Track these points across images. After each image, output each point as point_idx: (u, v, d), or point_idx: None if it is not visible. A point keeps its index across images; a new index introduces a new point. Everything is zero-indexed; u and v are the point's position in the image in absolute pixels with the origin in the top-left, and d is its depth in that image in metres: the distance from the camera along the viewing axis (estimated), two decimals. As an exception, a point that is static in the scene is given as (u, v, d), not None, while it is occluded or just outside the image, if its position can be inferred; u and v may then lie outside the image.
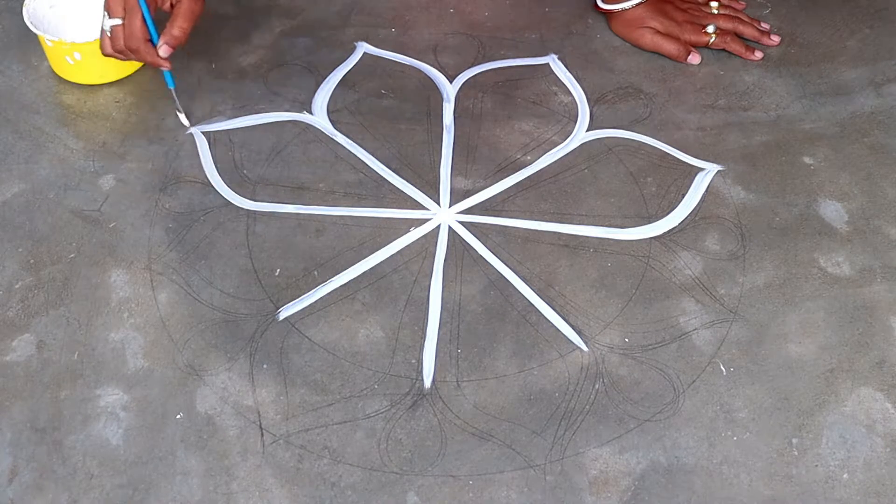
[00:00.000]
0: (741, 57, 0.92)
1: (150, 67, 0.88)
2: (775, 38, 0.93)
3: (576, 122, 0.87)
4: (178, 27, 0.77)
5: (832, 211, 0.79)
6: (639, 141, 0.85)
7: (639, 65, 0.93)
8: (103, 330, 0.69)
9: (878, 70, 0.92)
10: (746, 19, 0.94)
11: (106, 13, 0.76)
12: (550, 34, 0.96)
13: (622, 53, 0.94)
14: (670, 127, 0.86)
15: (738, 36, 0.92)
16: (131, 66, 0.89)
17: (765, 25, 0.94)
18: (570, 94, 0.90)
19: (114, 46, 0.77)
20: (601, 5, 0.94)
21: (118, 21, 0.76)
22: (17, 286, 0.72)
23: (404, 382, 0.67)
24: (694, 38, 0.91)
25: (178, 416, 0.64)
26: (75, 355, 0.68)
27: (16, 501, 0.60)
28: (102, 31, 0.77)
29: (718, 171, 0.82)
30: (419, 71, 0.92)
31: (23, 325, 0.69)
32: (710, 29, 0.91)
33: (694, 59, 0.91)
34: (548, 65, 0.93)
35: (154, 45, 0.77)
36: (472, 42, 0.95)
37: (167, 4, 0.78)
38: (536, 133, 0.85)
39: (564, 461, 0.62)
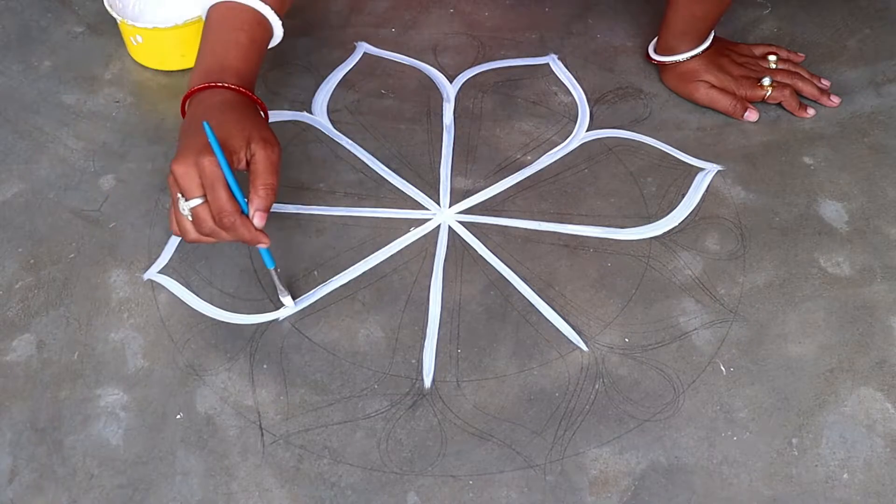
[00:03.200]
0: (793, 113, 0.87)
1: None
2: (835, 99, 0.88)
3: (576, 122, 0.87)
4: (263, 185, 0.62)
5: (832, 211, 0.79)
6: (639, 141, 0.85)
7: (639, 65, 0.93)
8: (103, 330, 0.69)
9: (878, 70, 0.92)
10: (806, 75, 0.89)
11: (180, 196, 0.61)
12: (550, 34, 0.96)
13: (622, 53, 0.94)
14: (670, 127, 0.86)
15: (796, 92, 0.88)
16: (192, 59, 0.89)
17: (825, 83, 0.89)
18: (570, 94, 0.90)
19: (200, 230, 0.62)
20: (654, 57, 0.89)
21: (198, 201, 0.61)
22: (17, 286, 0.72)
23: (404, 382, 0.67)
24: (750, 93, 0.86)
25: (178, 416, 0.64)
26: (75, 355, 0.68)
27: (16, 501, 0.60)
28: (179, 216, 0.62)
29: (718, 171, 0.82)
30: (419, 71, 0.92)
31: (23, 325, 0.69)
32: (767, 82, 0.86)
33: (751, 115, 0.86)
34: (548, 65, 0.93)
35: (248, 217, 0.62)
36: (472, 42, 0.95)
37: (242, 163, 0.63)
38: (536, 133, 0.85)
39: (564, 461, 0.62)
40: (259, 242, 0.63)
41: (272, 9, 0.70)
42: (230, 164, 0.61)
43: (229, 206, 0.60)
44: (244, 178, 0.62)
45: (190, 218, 0.62)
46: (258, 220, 0.62)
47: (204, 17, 0.71)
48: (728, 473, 0.62)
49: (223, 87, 0.66)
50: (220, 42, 0.68)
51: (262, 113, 0.68)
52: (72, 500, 0.60)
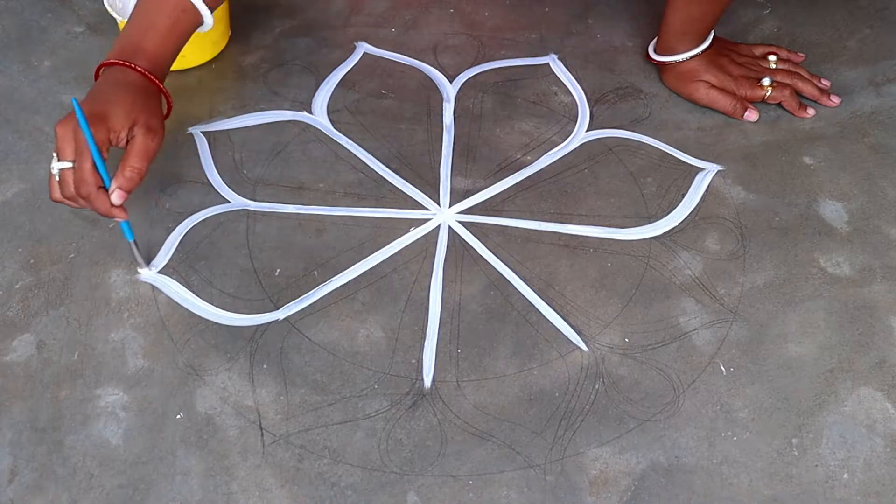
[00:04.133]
0: (793, 114, 0.87)
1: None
2: (835, 99, 0.88)
3: (576, 122, 0.87)
4: (130, 168, 0.65)
5: (832, 211, 0.79)
6: (639, 141, 0.85)
7: (639, 65, 0.93)
8: (103, 330, 0.69)
9: (878, 70, 0.92)
10: (806, 75, 0.89)
11: (55, 155, 0.65)
12: (550, 34, 0.96)
13: (622, 53, 0.94)
14: (670, 127, 0.86)
15: (796, 92, 0.88)
16: (192, 59, 0.90)
17: (825, 83, 0.89)
18: (570, 94, 0.90)
19: (63, 192, 0.65)
20: (654, 56, 0.89)
21: (68, 164, 0.64)
22: (17, 286, 0.72)
23: (404, 382, 0.67)
24: (750, 93, 0.86)
25: (178, 416, 0.64)
26: (75, 355, 0.68)
27: (16, 501, 0.60)
28: (51, 174, 0.66)
29: (718, 171, 0.82)
30: (419, 71, 0.92)
31: (23, 325, 0.69)
32: (766, 82, 0.86)
33: (751, 115, 0.86)
34: (548, 65, 0.93)
35: (107, 191, 0.65)
36: (472, 42, 0.95)
37: (123, 142, 0.66)
38: (536, 133, 0.85)
39: (564, 461, 0.62)
40: (114, 216, 0.66)
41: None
42: (109, 140, 0.65)
43: (90, 177, 0.64)
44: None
45: (57, 178, 0.65)
46: (116, 197, 0.65)
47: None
48: (728, 473, 0.62)
49: (132, 67, 0.68)
50: (142, 23, 0.71)
51: (164, 101, 0.71)
52: (72, 500, 0.60)
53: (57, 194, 0.66)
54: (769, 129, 0.86)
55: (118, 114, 0.65)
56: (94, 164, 0.64)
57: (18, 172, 0.81)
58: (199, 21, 0.73)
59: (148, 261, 0.73)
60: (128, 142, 0.66)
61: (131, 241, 0.70)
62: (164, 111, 0.71)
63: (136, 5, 0.72)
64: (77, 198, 0.65)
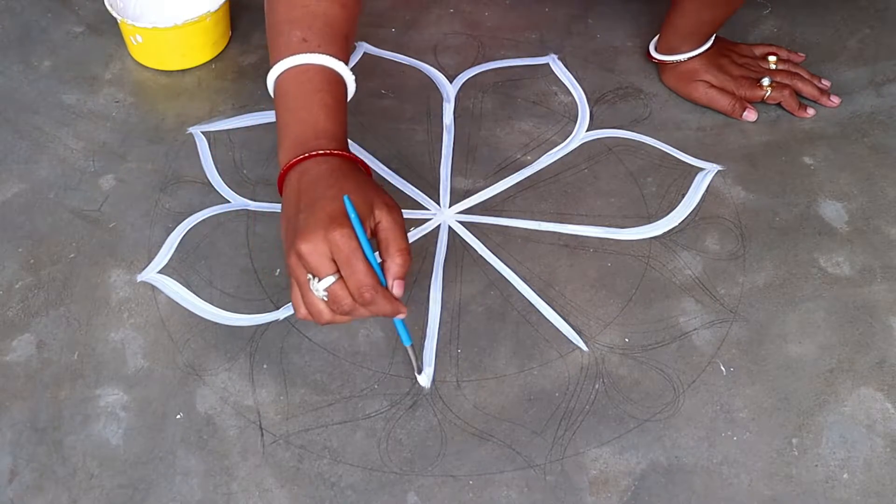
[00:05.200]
0: (792, 114, 0.87)
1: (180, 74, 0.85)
2: (835, 100, 0.88)
3: (576, 122, 0.87)
4: (398, 251, 0.57)
5: (832, 211, 0.79)
6: (639, 141, 0.85)
7: (639, 65, 0.93)
8: (103, 330, 0.69)
9: (878, 70, 0.92)
10: (806, 75, 0.88)
11: (312, 277, 0.56)
12: (550, 34, 0.96)
13: (622, 53, 0.94)
14: (670, 127, 0.86)
15: (796, 93, 0.87)
16: (192, 59, 0.91)
17: (825, 83, 0.89)
18: (570, 94, 0.90)
19: (338, 309, 0.56)
20: (654, 55, 0.89)
21: (333, 279, 0.55)
22: (17, 286, 0.72)
23: (404, 382, 0.67)
24: (749, 93, 0.86)
25: (178, 416, 0.64)
26: (75, 355, 0.68)
27: (16, 501, 0.60)
28: (312, 298, 0.57)
29: (718, 171, 0.82)
30: (419, 71, 0.92)
31: (23, 325, 0.69)
32: (766, 82, 0.86)
33: (750, 115, 0.86)
34: (548, 65, 0.93)
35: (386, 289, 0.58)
36: (472, 42, 0.95)
37: (368, 232, 0.58)
38: (536, 133, 0.85)
39: (564, 461, 0.62)
40: (399, 314, 0.58)
41: (342, 60, 0.65)
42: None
43: (369, 279, 0.55)
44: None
45: (325, 298, 0.56)
46: (398, 289, 0.58)
47: (272, 88, 0.66)
48: (728, 473, 0.62)
49: (327, 154, 0.60)
50: (305, 108, 0.63)
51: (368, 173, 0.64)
52: (72, 500, 0.60)
53: (328, 316, 0.57)
54: (769, 129, 0.86)
55: (357, 204, 0.57)
56: (369, 264, 0.56)
57: (18, 172, 0.81)
58: (346, 90, 0.67)
59: (420, 367, 0.66)
60: (372, 232, 0.58)
61: (409, 346, 0.63)
62: None
63: (281, 97, 0.64)
64: (356, 308, 0.56)
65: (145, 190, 0.79)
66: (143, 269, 0.73)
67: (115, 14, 0.86)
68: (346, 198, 0.56)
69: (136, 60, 0.92)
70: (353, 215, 0.56)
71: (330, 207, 0.56)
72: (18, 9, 0.98)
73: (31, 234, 0.76)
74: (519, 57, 0.94)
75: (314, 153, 0.60)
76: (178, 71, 0.90)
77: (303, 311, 0.58)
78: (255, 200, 0.79)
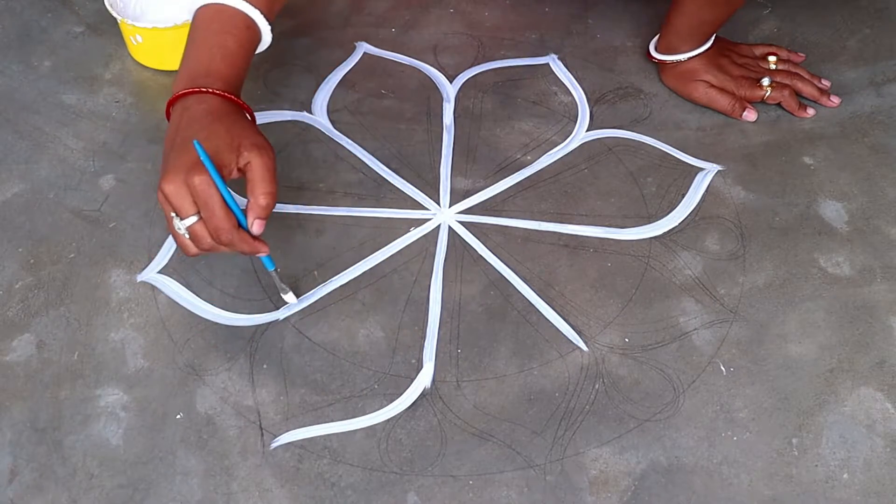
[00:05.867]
0: (792, 114, 0.87)
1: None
2: (835, 100, 0.88)
3: (576, 122, 0.87)
4: (263, 194, 0.60)
5: (832, 211, 0.79)
6: (639, 141, 0.85)
7: (639, 65, 0.93)
8: (103, 330, 0.69)
9: (878, 70, 0.92)
10: (806, 76, 0.89)
11: (174, 215, 0.60)
12: (550, 34, 0.96)
13: (622, 53, 0.94)
14: (670, 127, 0.86)
15: (796, 93, 0.88)
16: None
17: (825, 83, 0.89)
18: (570, 94, 0.90)
19: (199, 246, 0.61)
20: (654, 55, 0.89)
21: (194, 219, 0.59)
22: (17, 286, 0.72)
23: (404, 382, 0.67)
24: (749, 93, 0.86)
25: (178, 416, 0.64)
26: (75, 355, 0.68)
27: (16, 501, 0.60)
28: (176, 233, 0.61)
29: (718, 171, 0.82)
30: (419, 71, 0.92)
31: (23, 325, 0.69)
32: (766, 82, 0.86)
33: (749, 115, 0.86)
34: (548, 65, 0.93)
35: (244, 228, 0.61)
36: (472, 42, 0.95)
37: (234, 173, 0.61)
38: (536, 133, 0.85)
39: (564, 461, 0.62)
40: (259, 252, 0.62)
41: (261, 12, 0.68)
42: (222, 178, 0.59)
43: (226, 222, 0.59)
44: (236, 185, 0.62)
45: (187, 236, 0.60)
46: (257, 227, 0.61)
47: (190, 19, 0.69)
48: (728, 473, 0.62)
49: (209, 92, 0.63)
50: (206, 45, 0.66)
51: (249, 117, 0.66)
52: (72, 500, 0.60)
53: (193, 250, 0.61)
54: (769, 129, 0.86)
55: (222, 147, 0.60)
56: (226, 206, 0.59)
57: (18, 172, 0.81)
58: (259, 38, 0.69)
59: (290, 289, 0.69)
60: (239, 170, 0.61)
61: (272, 270, 0.67)
62: None
63: (192, 31, 0.67)
64: (216, 246, 0.61)
65: (145, 190, 0.79)
66: (143, 269, 0.73)
67: (115, 14, 0.86)
68: (196, 143, 0.59)
69: (136, 60, 0.92)
70: (205, 160, 0.59)
71: (194, 153, 0.59)
72: (18, 9, 0.98)
73: (31, 234, 0.76)
74: (519, 57, 0.94)
75: (199, 90, 0.63)
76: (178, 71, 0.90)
77: (177, 241, 0.62)
78: (255, 200, 0.79)
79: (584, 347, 0.69)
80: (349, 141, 0.84)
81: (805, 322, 0.71)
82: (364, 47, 0.94)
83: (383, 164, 0.82)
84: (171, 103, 0.64)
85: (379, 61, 0.93)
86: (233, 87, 0.65)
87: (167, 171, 0.59)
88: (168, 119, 0.64)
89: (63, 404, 0.65)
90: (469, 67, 0.92)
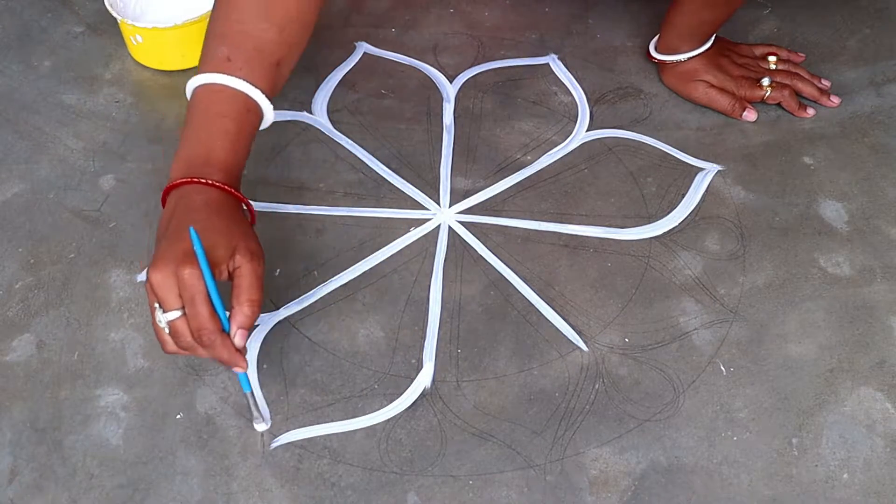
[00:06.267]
0: (792, 114, 0.87)
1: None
2: (835, 100, 0.87)
3: (576, 122, 0.87)
4: (248, 302, 0.57)
5: (832, 211, 0.79)
6: (639, 141, 0.85)
7: (639, 65, 0.93)
8: (103, 330, 0.69)
9: (878, 70, 0.92)
10: (806, 76, 0.88)
11: (158, 306, 0.56)
12: (550, 34, 0.96)
13: (622, 53, 0.94)
14: (670, 127, 0.86)
15: (796, 93, 0.87)
16: (192, 59, 0.90)
17: (825, 83, 0.89)
18: (570, 94, 0.90)
19: (179, 344, 0.57)
20: (654, 55, 0.89)
21: (177, 314, 0.56)
22: (17, 286, 0.72)
23: (404, 382, 0.67)
24: (749, 93, 0.86)
25: (178, 416, 0.64)
26: (75, 355, 0.68)
27: (16, 501, 0.60)
28: (157, 326, 0.57)
29: (718, 171, 0.82)
30: (419, 71, 0.92)
31: (23, 325, 0.69)
32: (766, 82, 0.86)
33: (749, 115, 0.86)
34: (548, 65, 0.93)
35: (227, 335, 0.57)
36: (472, 42, 0.95)
37: (224, 275, 0.58)
38: (536, 133, 0.85)
39: (564, 461, 0.62)
40: (237, 366, 0.58)
41: (262, 91, 0.64)
42: (213, 274, 0.56)
43: (210, 323, 0.55)
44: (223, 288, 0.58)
45: (167, 330, 0.57)
46: (239, 338, 0.57)
47: (188, 96, 0.65)
48: (728, 473, 0.62)
49: (208, 184, 0.60)
50: (206, 129, 0.62)
51: (248, 215, 0.63)
52: (72, 500, 0.60)
53: (171, 347, 0.58)
54: (769, 129, 0.86)
55: (217, 244, 0.57)
56: (212, 306, 0.56)
57: (18, 172, 0.81)
58: (261, 119, 0.66)
59: (263, 418, 0.64)
60: (229, 273, 0.58)
61: (248, 392, 0.61)
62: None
63: (190, 112, 0.63)
64: (195, 347, 0.56)
65: (145, 190, 0.79)
66: (143, 269, 0.73)
67: (115, 14, 0.86)
68: (192, 231, 0.56)
69: (136, 60, 0.92)
70: (199, 253, 0.56)
71: (187, 243, 0.56)
72: (18, 9, 0.98)
73: (31, 234, 0.76)
74: (519, 57, 0.94)
75: (197, 180, 0.60)
76: (178, 71, 0.90)
77: (157, 335, 0.58)
78: (254, 200, 0.79)
79: (584, 347, 0.69)
80: (349, 141, 0.84)
81: (805, 322, 0.71)
82: (364, 47, 0.94)
83: (383, 164, 0.82)
84: (167, 191, 0.61)
85: (379, 61, 0.93)
86: (233, 177, 0.62)
87: (157, 260, 0.56)
88: (163, 206, 0.61)
89: (63, 404, 0.65)
90: (469, 67, 0.92)
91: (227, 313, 0.57)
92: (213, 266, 0.56)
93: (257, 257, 0.58)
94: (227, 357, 0.57)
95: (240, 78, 0.63)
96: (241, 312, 0.57)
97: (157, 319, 0.57)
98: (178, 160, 0.62)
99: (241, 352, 0.58)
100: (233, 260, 0.58)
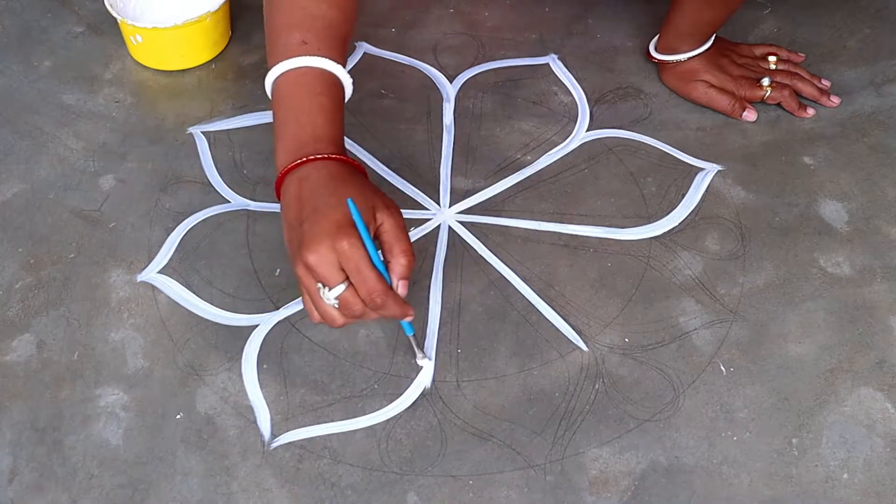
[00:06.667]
0: (792, 114, 0.87)
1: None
2: (835, 100, 0.88)
3: (576, 122, 0.87)
4: (402, 252, 0.58)
5: (832, 211, 0.79)
6: (639, 141, 0.85)
7: (639, 65, 0.93)
8: (103, 330, 0.69)
9: (878, 70, 0.92)
10: (806, 76, 0.88)
11: (322, 286, 0.57)
12: (550, 34, 0.96)
13: (622, 53, 0.94)
14: (670, 127, 0.86)
15: (796, 93, 0.87)
16: (192, 59, 0.91)
17: (825, 83, 0.89)
18: (570, 94, 0.90)
19: (349, 314, 0.57)
20: (654, 55, 0.89)
21: (343, 287, 0.56)
22: (17, 286, 0.72)
23: (404, 382, 0.67)
24: (749, 93, 0.86)
25: (178, 416, 0.64)
26: (75, 355, 0.68)
27: (16, 501, 0.60)
28: (324, 306, 0.58)
29: (718, 171, 0.82)
30: (419, 71, 0.92)
31: (23, 325, 0.69)
32: (766, 82, 0.86)
33: (749, 115, 0.86)
34: (548, 65, 0.93)
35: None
36: (472, 42, 0.95)
37: (372, 234, 0.58)
38: (536, 133, 0.85)
39: (564, 461, 0.62)
40: (407, 316, 0.60)
41: (340, 64, 0.65)
42: None
43: (379, 285, 0.56)
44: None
45: (336, 305, 0.57)
46: (402, 288, 0.58)
47: (270, 90, 0.65)
48: (728, 473, 0.62)
49: (325, 158, 0.60)
50: (304, 111, 0.62)
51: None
52: (72, 500, 0.60)
53: (341, 321, 0.58)
54: (769, 129, 0.86)
55: (361, 210, 0.57)
56: (376, 270, 0.56)
57: (18, 172, 0.81)
58: (344, 92, 0.66)
59: (423, 351, 0.67)
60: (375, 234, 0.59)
61: (411, 335, 0.65)
62: None
63: (279, 99, 0.64)
64: (367, 312, 0.57)
65: (145, 190, 0.79)
66: (143, 269, 0.73)
67: (115, 14, 0.86)
68: (350, 202, 0.56)
69: (136, 60, 0.92)
70: (358, 221, 0.56)
71: (334, 216, 0.56)
72: (18, 9, 0.98)
73: (31, 234, 0.76)
74: (519, 57, 0.94)
75: (313, 157, 0.60)
76: (178, 71, 0.90)
77: (316, 316, 0.59)
78: (255, 200, 0.79)
79: (584, 347, 0.69)
80: (349, 141, 0.84)
81: (805, 322, 0.71)
82: (364, 47, 0.94)
83: (383, 164, 0.82)
84: (281, 179, 0.61)
85: (379, 61, 0.93)
86: (341, 149, 0.62)
87: (308, 242, 0.56)
88: (279, 198, 0.61)
89: (63, 404, 0.65)
90: (469, 67, 0.92)
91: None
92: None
93: (396, 211, 0.59)
94: (399, 311, 0.58)
95: (320, 56, 0.64)
96: (399, 263, 0.58)
97: (323, 299, 0.57)
98: (283, 147, 0.62)
99: (406, 303, 0.59)
100: (375, 219, 0.58)
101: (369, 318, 0.59)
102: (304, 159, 0.60)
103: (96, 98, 0.88)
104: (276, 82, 0.64)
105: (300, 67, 0.64)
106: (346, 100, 0.67)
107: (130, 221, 0.77)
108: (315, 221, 0.56)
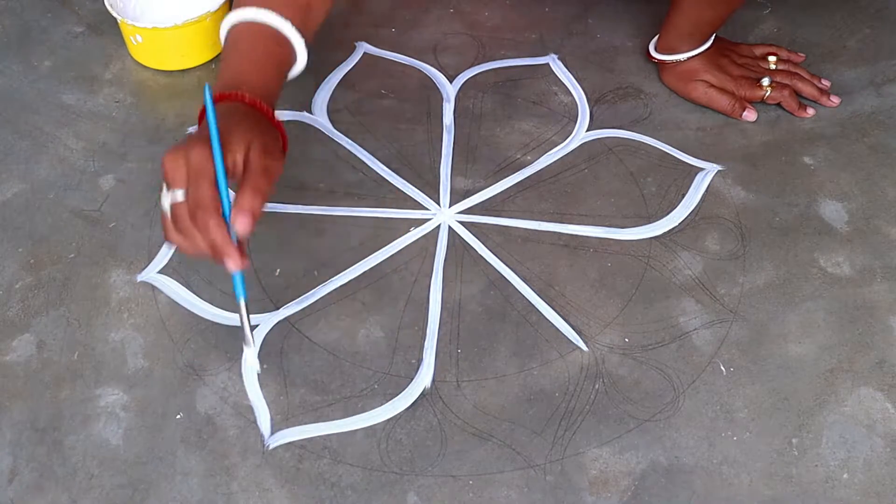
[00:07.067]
0: (792, 114, 0.87)
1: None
2: (835, 100, 0.88)
3: (576, 122, 0.87)
4: (252, 188, 0.55)
5: (832, 211, 0.79)
6: (639, 141, 0.85)
7: (639, 65, 0.93)
8: (103, 330, 0.69)
9: (878, 70, 0.92)
10: (806, 76, 0.89)
11: (165, 186, 0.56)
12: (550, 34, 0.96)
13: (622, 53, 0.94)
14: (670, 127, 0.86)
15: (796, 93, 0.87)
16: (192, 59, 0.91)
17: (825, 83, 0.89)
18: (570, 94, 0.90)
19: (177, 227, 0.55)
20: (654, 55, 0.89)
21: (179, 193, 0.55)
22: (17, 286, 0.72)
23: (404, 382, 0.67)
24: (749, 93, 0.86)
25: (178, 416, 0.64)
26: (75, 355, 0.68)
27: (16, 501, 0.60)
28: (163, 213, 0.56)
29: (718, 171, 0.82)
30: (419, 71, 0.92)
31: (23, 325, 0.69)
32: (766, 82, 0.86)
33: (749, 115, 0.86)
34: (548, 65, 0.93)
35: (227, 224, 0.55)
36: (472, 42, 0.95)
37: (240, 168, 0.57)
38: (536, 133, 0.85)
39: (564, 461, 0.62)
40: (229, 256, 0.54)
41: (293, 25, 0.66)
42: (224, 161, 0.55)
43: (208, 201, 0.54)
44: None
45: (169, 215, 0.56)
46: (240, 224, 0.54)
47: (223, 41, 0.67)
48: (728, 473, 0.62)
49: (238, 96, 0.61)
50: (236, 58, 0.65)
51: (278, 132, 0.63)
52: (72, 500, 0.60)
53: (172, 234, 0.56)
54: (769, 129, 0.86)
55: (233, 134, 0.57)
56: (215, 187, 0.54)
57: (18, 172, 0.81)
58: (293, 56, 0.67)
59: (250, 339, 0.60)
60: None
61: (242, 301, 0.57)
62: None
63: (224, 50, 0.67)
64: (193, 232, 0.54)
65: (145, 190, 0.79)
66: (143, 269, 0.73)
67: (115, 14, 0.86)
68: (206, 87, 0.57)
69: (136, 60, 0.92)
70: (209, 107, 0.56)
71: (205, 132, 0.56)
72: (18, 9, 0.98)
73: (31, 234, 0.76)
74: (519, 57, 0.94)
75: (227, 94, 0.61)
76: (178, 71, 0.90)
77: (162, 221, 0.58)
78: (255, 200, 0.79)
79: (584, 347, 0.69)
80: (349, 141, 0.84)
81: (805, 322, 0.71)
82: (364, 47, 0.94)
83: (383, 164, 0.82)
84: (201, 115, 0.62)
85: (379, 61, 0.93)
86: (262, 96, 0.63)
87: (174, 146, 0.56)
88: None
89: (63, 404, 0.65)
90: (469, 67, 0.92)
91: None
92: (225, 153, 0.55)
93: (272, 154, 0.58)
94: (220, 243, 0.54)
95: (267, 9, 0.65)
96: (243, 196, 0.55)
97: (162, 202, 0.56)
98: (217, 85, 0.63)
99: (242, 247, 0.55)
100: (248, 153, 0.57)
101: (197, 248, 0.55)
102: (220, 95, 0.61)
103: (96, 98, 0.88)
104: (227, 33, 0.67)
105: (247, 21, 0.65)
106: (300, 68, 0.68)
107: (130, 221, 0.77)
108: (192, 136, 0.57)
